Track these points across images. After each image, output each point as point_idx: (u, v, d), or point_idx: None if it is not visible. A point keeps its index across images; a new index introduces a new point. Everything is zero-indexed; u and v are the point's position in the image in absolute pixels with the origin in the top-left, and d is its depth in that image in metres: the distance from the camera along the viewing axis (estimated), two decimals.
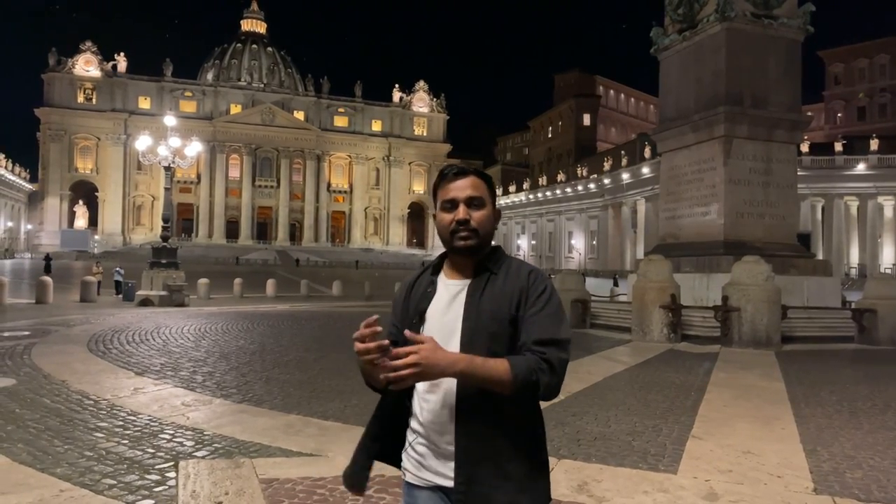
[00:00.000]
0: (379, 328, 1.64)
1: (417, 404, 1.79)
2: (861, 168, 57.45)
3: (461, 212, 1.78)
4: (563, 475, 4.42)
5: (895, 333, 13.04)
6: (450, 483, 1.72)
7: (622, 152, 76.04)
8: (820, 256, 41.64)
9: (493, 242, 1.86)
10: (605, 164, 78.16)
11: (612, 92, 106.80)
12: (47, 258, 46.78)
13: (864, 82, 78.05)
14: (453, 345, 1.72)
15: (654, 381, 8.47)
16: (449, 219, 1.80)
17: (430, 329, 1.75)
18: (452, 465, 1.72)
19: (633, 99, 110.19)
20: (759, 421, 6.25)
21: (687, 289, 14.44)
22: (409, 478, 1.81)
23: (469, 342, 1.72)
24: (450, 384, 1.71)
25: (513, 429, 1.73)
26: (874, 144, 57.25)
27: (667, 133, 18.68)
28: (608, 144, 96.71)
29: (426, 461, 1.77)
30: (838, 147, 58.80)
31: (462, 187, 1.80)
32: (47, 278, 21.59)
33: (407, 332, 1.63)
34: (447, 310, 1.78)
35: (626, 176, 70.24)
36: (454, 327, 1.75)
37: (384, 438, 1.89)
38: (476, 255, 1.81)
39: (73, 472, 4.31)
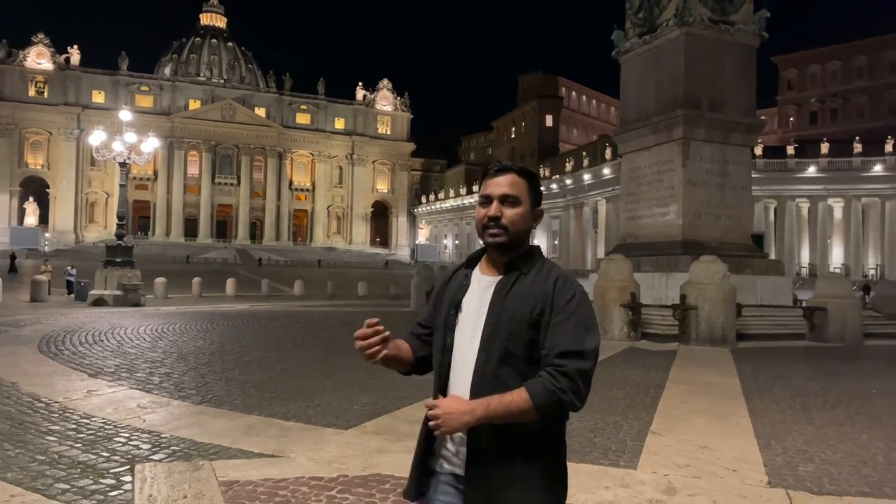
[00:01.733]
0: (381, 328, 1.75)
1: (448, 389, 1.84)
2: (812, 171, 59.35)
3: (493, 208, 1.82)
4: None
5: (844, 331, 13.52)
6: (461, 470, 1.78)
7: (584, 153, 77.02)
8: (773, 256, 42.89)
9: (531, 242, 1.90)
10: (567, 164, 79.03)
11: (574, 93, 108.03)
12: (12, 257, 45.08)
13: (817, 88, 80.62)
14: (476, 340, 1.78)
15: (615, 378, 8.61)
16: (482, 214, 1.84)
17: (464, 320, 1.82)
18: (464, 451, 1.77)
19: (594, 101, 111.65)
20: (716, 416, 6.41)
21: (647, 288, 14.70)
22: (432, 464, 1.85)
23: (488, 339, 1.75)
24: (467, 383, 1.77)
25: (526, 428, 1.72)
26: (825, 148, 59.21)
27: (628, 135, 19.00)
28: (570, 145, 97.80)
29: (445, 451, 1.83)
30: (791, 150, 60.65)
31: (500, 184, 1.83)
32: None
33: (427, 402, 1.73)
34: (478, 304, 1.82)
35: (587, 177, 71.16)
36: (478, 322, 1.79)
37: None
38: (507, 253, 1.83)
39: (25, 476, 4.17)
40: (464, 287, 1.87)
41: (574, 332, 1.71)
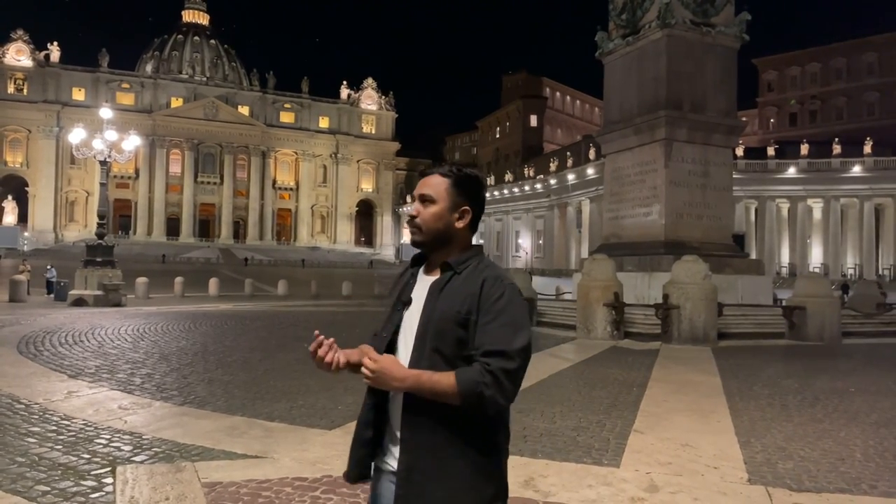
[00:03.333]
0: (323, 338, 1.82)
1: (391, 394, 1.86)
2: (792, 172, 60.13)
3: (414, 207, 1.90)
4: (510, 471, 4.44)
5: (823, 330, 13.70)
6: (394, 467, 1.81)
7: (568, 153, 77.40)
8: (753, 256, 43.42)
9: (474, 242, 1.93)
10: (551, 164, 79.34)
11: (558, 94, 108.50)
12: None
13: (796, 89, 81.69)
14: (411, 338, 1.82)
15: (598, 377, 8.67)
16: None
17: (406, 318, 1.87)
18: (397, 451, 1.81)
19: (578, 101, 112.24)
20: (697, 414, 6.48)
21: (630, 287, 14.81)
22: (375, 460, 1.91)
23: (421, 337, 1.79)
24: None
25: (458, 427, 1.73)
26: (804, 149, 60.01)
27: (611, 135, 19.13)
28: (554, 145, 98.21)
29: (386, 446, 1.88)
30: (771, 152, 61.40)
31: (421, 184, 1.90)
32: None
33: (369, 353, 1.78)
34: (417, 303, 1.87)
35: (571, 177, 71.49)
36: (415, 321, 1.83)
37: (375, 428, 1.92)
38: (425, 251, 1.92)
39: (4, 478, 4.12)
40: (409, 286, 1.92)
41: (500, 332, 1.71)
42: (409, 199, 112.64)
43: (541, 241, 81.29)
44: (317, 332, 1.82)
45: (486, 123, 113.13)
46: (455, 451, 1.74)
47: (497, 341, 1.70)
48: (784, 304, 15.70)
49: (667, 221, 16.81)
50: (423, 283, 1.89)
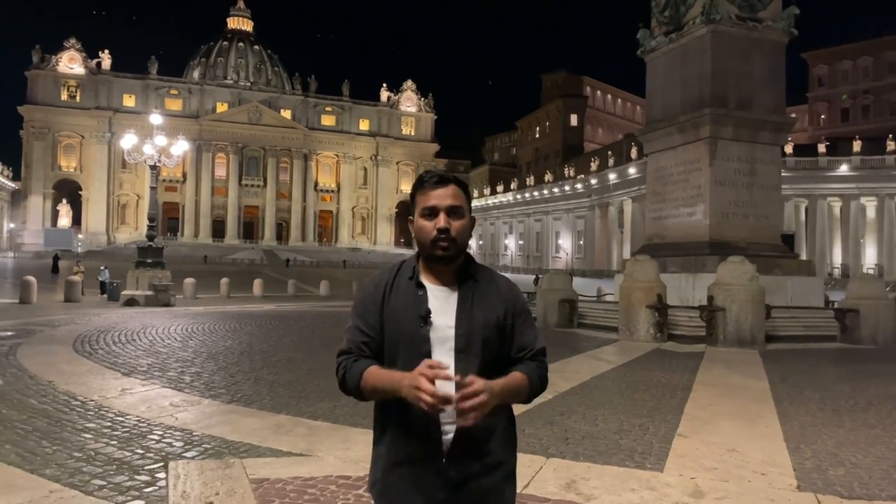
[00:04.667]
0: (444, 369, 1.65)
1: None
2: (844, 169, 58.13)
3: (442, 220, 1.82)
4: (552, 473, 4.48)
5: (877, 333, 13.24)
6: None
7: (609, 153, 76.50)
8: (804, 257, 42.15)
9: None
10: (592, 164, 78.53)
11: (599, 92, 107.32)
12: (56, 258, 46.30)
13: (848, 84, 78.93)
14: (447, 350, 1.78)
15: (641, 380, 8.56)
16: (430, 226, 1.83)
17: (434, 331, 1.79)
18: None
19: (619, 100, 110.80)
20: (744, 419, 6.34)
21: (673, 289, 14.56)
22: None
23: (465, 349, 1.78)
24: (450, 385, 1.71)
25: (502, 424, 1.86)
26: (857, 146, 57.96)
27: (653, 134, 18.83)
28: (595, 145, 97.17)
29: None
30: (822, 148, 59.45)
31: (443, 196, 1.83)
32: (31, 278, 21.34)
33: (458, 378, 1.65)
34: (441, 315, 1.81)
35: (612, 176, 70.62)
36: (447, 334, 1.79)
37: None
38: (446, 263, 1.85)
39: (63, 473, 4.30)
40: (422, 299, 1.82)
41: (536, 332, 1.92)
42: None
43: (581, 242, 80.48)
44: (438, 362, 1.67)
45: (526, 123, 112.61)
46: (502, 446, 1.85)
47: (541, 341, 1.91)
48: (836, 306, 15.18)
49: (711, 221, 16.47)
50: (438, 295, 1.83)
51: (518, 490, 4.07)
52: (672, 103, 18.22)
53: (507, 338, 1.85)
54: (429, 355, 1.75)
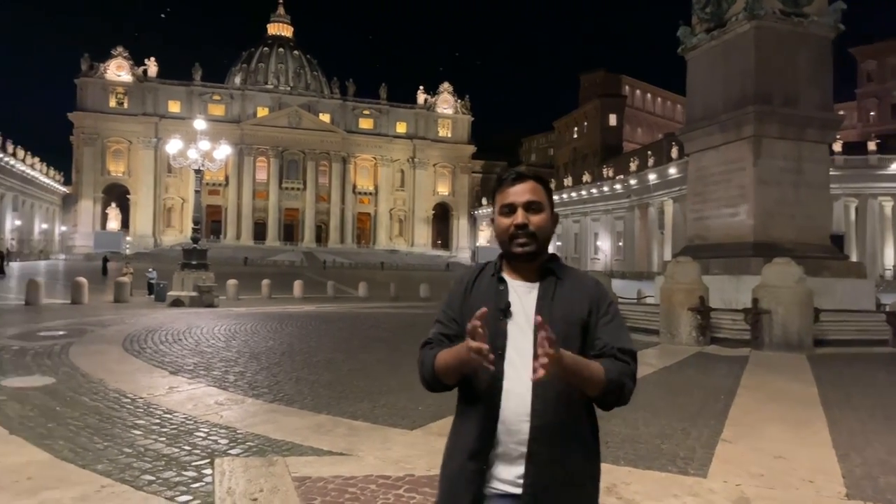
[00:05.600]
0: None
1: (501, 403, 1.74)
2: (895, 168, 56.03)
3: (519, 216, 1.80)
4: None
5: None
6: (517, 490, 1.72)
7: (649, 153, 75.27)
8: (854, 258, 40.73)
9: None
10: (631, 164, 77.38)
11: (638, 92, 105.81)
12: (105, 260, 47.98)
13: None
14: (526, 346, 1.73)
15: (683, 383, 8.42)
16: (507, 223, 1.82)
17: (513, 325, 1.77)
18: (520, 470, 1.72)
19: (659, 99, 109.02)
20: (791, 425, 6.18)
21: (716, 291, 14.27)
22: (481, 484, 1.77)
23: None
24: (526, 388, 1.71)
25: (581, 436, 1.79)
26: None
27: (694, 133, 18.49)
28: (634, 145, 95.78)
29: (495, 469, 1.75)
30: (872, 146, 57.35)
31: (521, 192, 1.82)
32: (82, 279, 22.09)
33: (538, 319, 1.58)
34: (521, 310, 1.80)
35: (652, 176, 69.45)
36: (526, 328, 1.77)
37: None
38: (534, 261, 1.83)
39: (114, 468, 4.44)
40: (502, 293, 1.82)
41: (623, 333, 1.82)
42: (484, 201, 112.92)
43: (621, 243, 79.41)
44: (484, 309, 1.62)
45: (563, 124, 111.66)
46: (579, 460, 1.77)
47: (626, 341, 1.80)
48: (888, 309, 14.66)
49: (756, 222, 16.08)
50: (519, 290, 1.82)
51: None
52: (714, 101, 17.86)
53: (589, 335, 1.79)
54: (503, 349, 1.74)
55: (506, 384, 1.74)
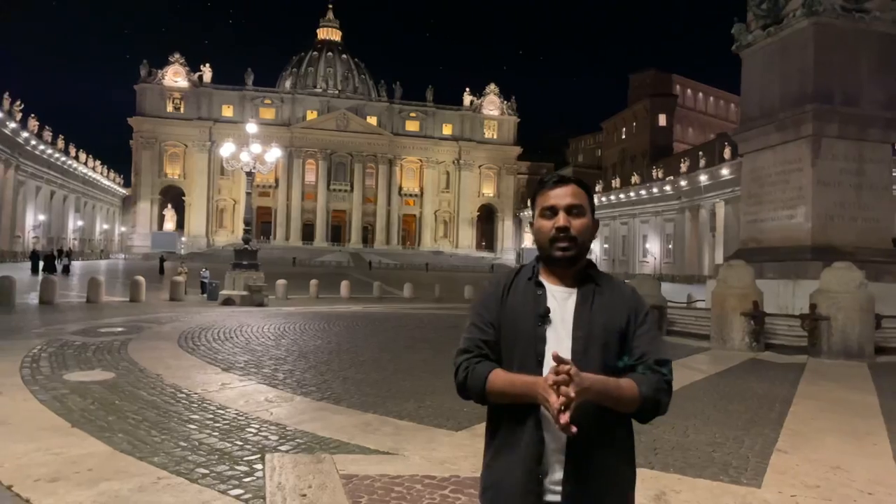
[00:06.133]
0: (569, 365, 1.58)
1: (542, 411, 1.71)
2: None
3: (561, 219, 1.78)
4: (640, 484, 4.32)
5: None
6: (556, 497, 1.71)
7: (700, 153, 73.53)
8: None
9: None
10: (681, 165, 75.75)
11: (689, 91, 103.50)
12: (162, 259, 49.78)
13: None
14: (563, 351, 1.69)
15: (736, 391, 8.19)
16: (548, 226, 1.79)
17: (551, 330, 1.75)
18: (558, 477, 1.72)
19: (711, 98, 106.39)
20: (850, 435, 5.95)
21: (770, 296, 13.83)
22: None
23: (583, 350, 1.73)
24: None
25: (617, 448, 1.78)
26: None
27: (749, 133, 17.97)
28: (685, 145, 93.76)
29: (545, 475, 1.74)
30: None
31: (562, 195, 1.80)
32: (140, 278, 22.92)
33: (555, 354, 1.60)
34: (560, 316, 1.78)
35: (704, 178, 67.82)
36: (564, 335, 1.75)
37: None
38: (573, 266, 1.81)
39: (170, 461, 4.60)
40: (541, 298, 1.78)
41: (662, 343, 1.81)
42: (529, 202, 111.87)
43: (670, 246, 77.80)
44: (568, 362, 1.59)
45: (612, 124, 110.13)
46: (614, 471, 1.77)
47: (664, 352, 1.78)
48: None
49: (814, 224, 15.51)
50: (557, 296, 1.80)
51: None
52: (770, 100, 17.33)
53: (626, 345, 1.77)
54: (543, 355, 1.72)
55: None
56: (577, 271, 1.83)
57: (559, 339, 1.74)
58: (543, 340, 1.75)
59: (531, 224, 1.91)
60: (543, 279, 1.84)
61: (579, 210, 1.80)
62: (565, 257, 1.78)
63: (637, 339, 1.76)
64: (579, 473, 1.70)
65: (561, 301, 1.79)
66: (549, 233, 1.79)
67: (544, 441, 1.71)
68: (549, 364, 1.69)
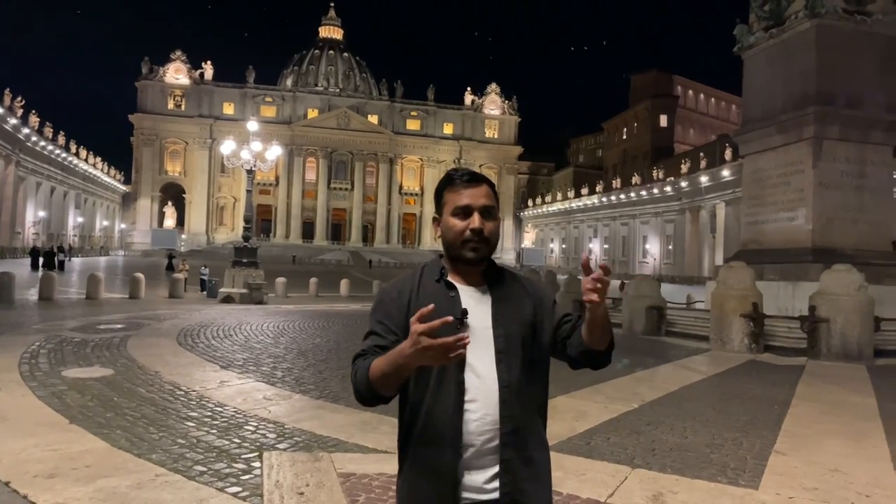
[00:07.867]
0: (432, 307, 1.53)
1: (464, 416, 1.67)
2: None
3: (477, 220, 1.75)
4: (638, 484, 4.37)
5: None
6: (492, 496, 1.67)
7: (701, 154, 73.46)
8: None
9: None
10: (682, 166, 75.70)
11: (691, 92, 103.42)
12: (171, 256, 49.55)
13: None
14: (487, 352, 1.70)
15: (734, 392, 8.19)
16: (462, 226, 1.76)
17: (470, 332, 1.66)
18: (489, 475, 1.67)
19: (713, 99, 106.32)
20: (849, 438, 5.95)
21: (770, 297, 13.84)
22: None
23: (506, 349, 1.71)
24: (493, 396, 1.68)
25: (538, 431, 1.79)
26: None
27: (751, 134, 17.97)
28: (686, 146, 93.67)
29: (464, 480, 1.67)
30: None
31: (477, 195, 1.77)
32: (139, 275, 22.90)
33: (584, 256, 1.71)
34: (476, 315, 1.73)
35: (704, 179, 67.78)
36: (483, 334, 1.72)
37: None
38: (481, 265, 1.81)
39: (168, 458, 4.60)
40: (454, 299, 1.74)
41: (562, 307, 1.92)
42: (530, 202, 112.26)
43: (670, 247, 77.77)
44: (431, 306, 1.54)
45: (613, 125, 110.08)
46: (541, 456, 1.77)
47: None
48: None
49: (815, 226, 15.52)
50: (473, 295, 1.77)
51: (602, 500, 4.02)
52: (772, 102, 17.33)
53: (538, 335, 1.79)
54: (464, 358, 1.61)
55: (468, 395, 1.67)
56: (484, 269, 1.83)
57: (480, 340, 1.70)
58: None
59: (435, 220, 1.86)
60: (452, 279, 1.80)
61: (491, 212, 1.78)
62: (478, 258, 1.77)
63: (556, 314, 1.84)
64: (515, 469, 1.68)
65: (476, 301, 1.76)
66: (463, 233, 1.75)
67: (461, 445, 1.66)
68: (471, 366, 1.67)
